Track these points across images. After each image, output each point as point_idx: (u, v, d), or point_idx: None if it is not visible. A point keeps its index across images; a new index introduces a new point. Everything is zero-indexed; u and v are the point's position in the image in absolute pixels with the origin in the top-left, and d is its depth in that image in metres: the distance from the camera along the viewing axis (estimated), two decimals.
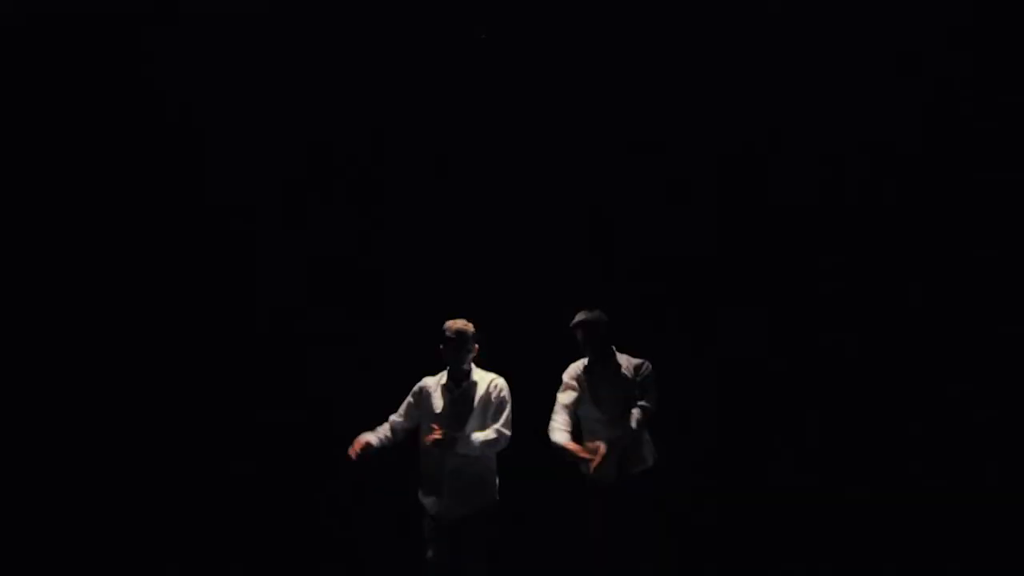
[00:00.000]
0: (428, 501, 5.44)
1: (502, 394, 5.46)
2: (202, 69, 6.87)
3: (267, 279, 6.99)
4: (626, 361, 5.78)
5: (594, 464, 5.42)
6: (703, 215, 7.00)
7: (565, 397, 5.69)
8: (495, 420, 5.42)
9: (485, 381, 5.50)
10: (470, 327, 5.47)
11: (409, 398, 5.55)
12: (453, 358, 5.45)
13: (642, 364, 5.75)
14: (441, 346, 5.44)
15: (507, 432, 5.42)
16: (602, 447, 5.45)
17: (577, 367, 5.79)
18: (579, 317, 5.72)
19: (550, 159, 6.95)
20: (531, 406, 5.72)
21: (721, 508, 6.61)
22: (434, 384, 5.53)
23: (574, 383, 5.73)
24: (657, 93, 6.88)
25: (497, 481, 5.49)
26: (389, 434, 5.51)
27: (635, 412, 5.58)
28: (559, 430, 5.55)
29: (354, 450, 5.35)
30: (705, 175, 6.98)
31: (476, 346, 5.48)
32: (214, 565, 6.59)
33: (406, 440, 5.58)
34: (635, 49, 6.87)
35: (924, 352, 6.70)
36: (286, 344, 6.92)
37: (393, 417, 5.55)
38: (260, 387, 6.87)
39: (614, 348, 5.79)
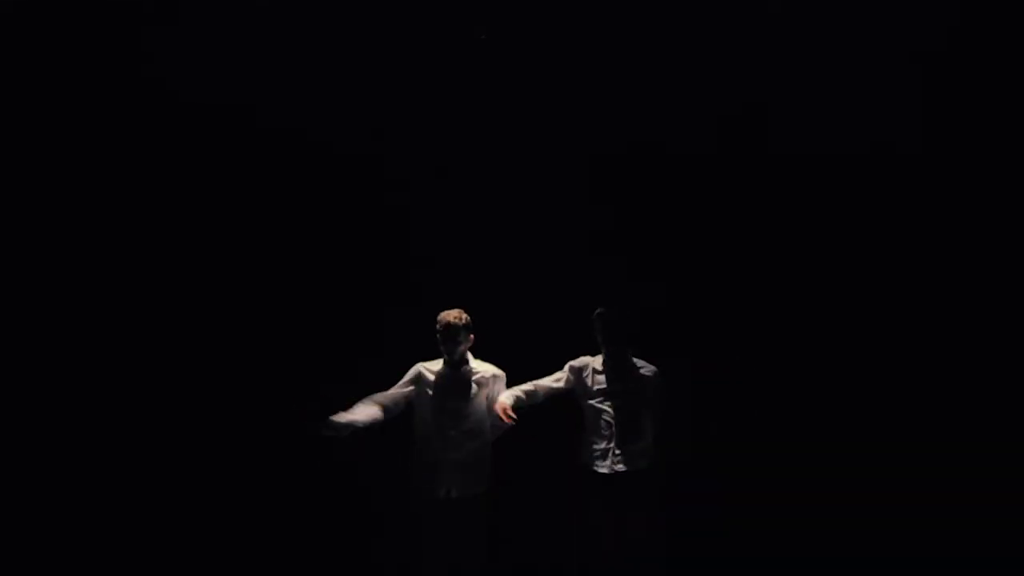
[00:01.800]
0: (433, 483, 5.49)
1: (501, 382, 5.71)
2: (202, 68, 6.87)
3: (266, 279, 6.98)
4: (643, 364, 5.84)
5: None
6: (703, 215, 7.02)
7: (550, 378, 5.89)
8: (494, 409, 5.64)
9: (483, 370, 5.69)
10: (465, 317, 5.61)
11: (407, 384, 5.64)
12: (452, 347, 5.55)
13: (654, 372, 5.86)
14: (438, 335, 5.59)
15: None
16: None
17: (587, 360, 5.86)
18: (598, 311, 5.82)
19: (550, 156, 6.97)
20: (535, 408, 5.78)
21: (720, 507, 6.61)
22: (431, 368, 5.67)
23: (567, 373, 5.88)
24: (658, 92, 6.90)
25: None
26: (379, 414, 5.54)
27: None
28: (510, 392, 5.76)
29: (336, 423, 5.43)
30: (705, 174, 6.99)
31: (472, 336, 5.64)
32: (214, 565, 6.59)
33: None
34: (635, 48, 6.89)
35: (922, 352, 6.72)
36: (286, 342, 6.93)
37: (381, 398, 5.60)
38: (256, 387, 6.86)
39: (628, 349, 5.84)
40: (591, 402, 5.80)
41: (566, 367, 5.91)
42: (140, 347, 6.85)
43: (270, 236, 7.01)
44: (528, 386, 5.81)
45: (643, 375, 5.85)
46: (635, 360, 5.91)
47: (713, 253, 6.97)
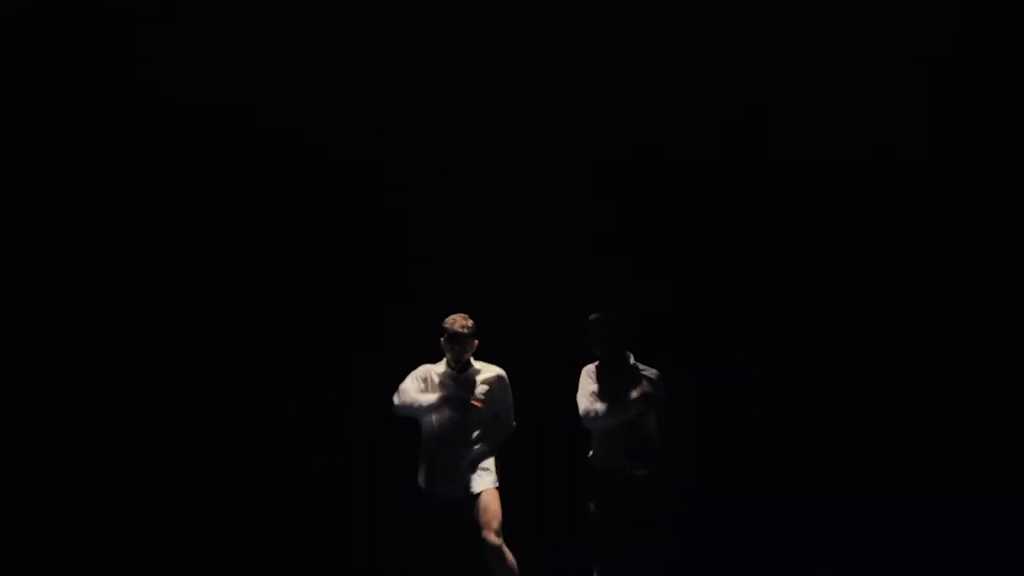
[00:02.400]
0: (443, 483, 5.52)
1: (505, 386, 5.67)
2: (202, 68, 6.88)
3: (266, 279, 6.98)
4: (644, 368, 5.80)
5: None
6: (703, 215, 7.02)
7: (588, 386, 5.73)
8: (501, 410, 5.65)
9: (486, 371, 5.67)
10: (471, 323, 5.59)
11: (416, 382, 5.64)
12: (459, 353, 5.57)
13: (656, 376, 5.79)
14: (444, 340, 5.57)
15: (512, 423, 5.70)
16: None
17: (592, 366, 5.82)
18: (591, 316, 5.77)
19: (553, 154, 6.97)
20: (532, 402, 5.78)
21: (720, 508, 6.62)
22: (435, 370, 5.66)
23: (588, 378, 5.77)
24: (658, 92, 6.90)
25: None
26: None
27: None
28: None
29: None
30: (705, 174, 6.99)
31: (476, 341, 5.62)
32: (218, 564, 6.60)
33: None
34: (635, 48, 6.89)
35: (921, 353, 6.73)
36: (286, 342, 6.93)
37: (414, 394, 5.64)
38: (257, 387, 6.87)
39: (629, 353, 5.80)
40: (600, 405, 5.75)
41: (583, 373, 5.85)
42: (140, 347, 6.85)
43: (270, 236, 7.01)
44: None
45: (644, 378, 5.80)
46: (636, 364, 5.86)
47: (713, 253, 6.97)
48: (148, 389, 6.80)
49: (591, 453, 5.78)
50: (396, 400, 5.66)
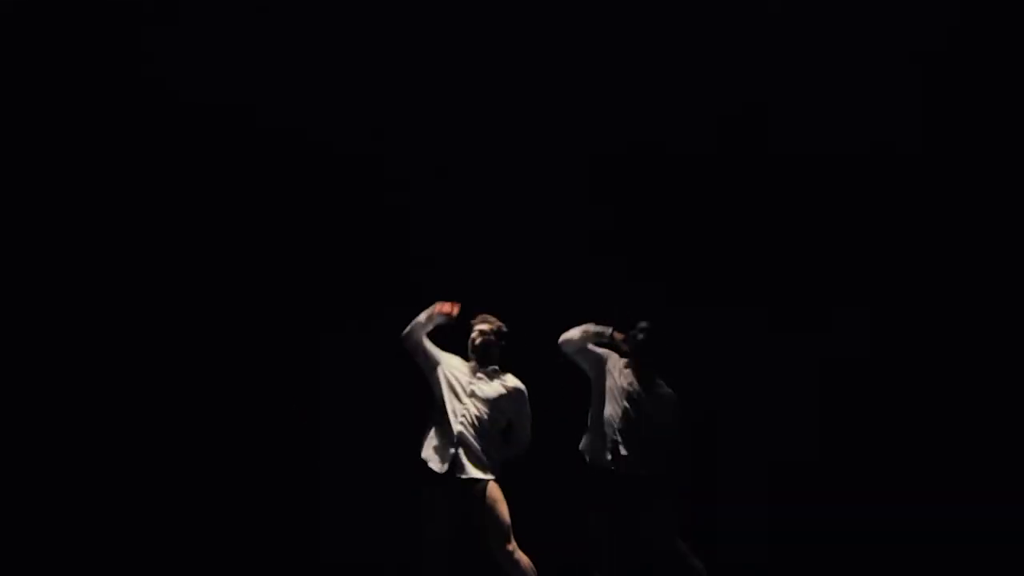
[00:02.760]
0: (434, 457, 5.47)
1: (524, 399, 5.64)
2: (202, 68, 6.88)
3: (266, 279, 6.99)
4: (661, 383, 5.82)
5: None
6: (703, 215, 7.03)
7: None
8: (517, 423, 5.64)
9: (509, 379, 5.65)
10: (499, 323, 5.64)
11: (441, 356, 5.61)
12: (478, 341, 5.59)
13: (670, 395, 5.81)
14: (474, 342, 5.58)
15: (528, 435, 5.70)
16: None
17: (616, 355, 5.83)
18: (643, 325, 5.82)
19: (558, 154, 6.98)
20: (531, 402, 5.78)
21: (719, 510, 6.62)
22: (461, 365, 5.63)
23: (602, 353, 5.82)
24: (658, 92, 6.91)
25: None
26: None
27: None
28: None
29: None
30: (705, 174, 7.00)
31: (501, 343, 5.64)
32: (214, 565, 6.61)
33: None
34: (635, 48, 6.90)
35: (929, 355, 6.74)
36: (286, 342, 6.94)
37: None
38: (256, 386, 6.87)
39: (656, 366, 5.81)
40: (613, 400, 5.76)
41: (602, 351, 5.84)
42: (140, 347, 6.85)
43: (270, 236, 7.02)
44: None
45: (664, 393, 5.82)
46: (658, 379, 5.86)
47: (713, 253, 6.98)
48: (148, 388, 6.80)
49: (581, 445, 5.80)
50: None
